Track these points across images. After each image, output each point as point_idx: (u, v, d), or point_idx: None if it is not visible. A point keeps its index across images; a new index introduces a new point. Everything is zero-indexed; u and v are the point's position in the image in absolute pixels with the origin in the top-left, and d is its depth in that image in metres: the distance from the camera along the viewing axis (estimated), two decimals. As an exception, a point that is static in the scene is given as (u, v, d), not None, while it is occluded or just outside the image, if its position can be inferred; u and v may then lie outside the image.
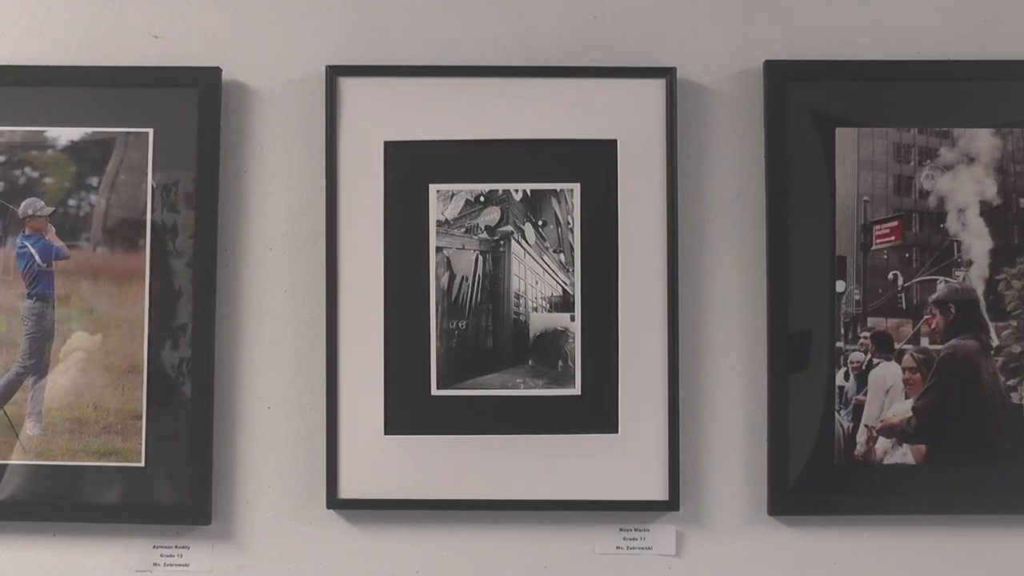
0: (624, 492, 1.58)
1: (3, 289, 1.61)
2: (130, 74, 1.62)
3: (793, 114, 1.60)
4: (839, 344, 1.59)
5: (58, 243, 1.61)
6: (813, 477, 1.58)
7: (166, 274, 1.60)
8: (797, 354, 1.59)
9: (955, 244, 1.60)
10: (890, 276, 1.60)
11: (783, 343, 1.59)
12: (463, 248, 1.60)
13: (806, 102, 1.60)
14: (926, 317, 1.60)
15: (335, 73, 1.60)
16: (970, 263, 1.60)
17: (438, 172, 1.60)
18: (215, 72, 1.62)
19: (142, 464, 1.58)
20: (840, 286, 1.60)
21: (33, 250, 1.60)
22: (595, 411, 1.59)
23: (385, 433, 1.58)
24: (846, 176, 1.60)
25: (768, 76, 1.61)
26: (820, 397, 1.59)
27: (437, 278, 1.59)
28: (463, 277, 1.59)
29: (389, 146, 1.60)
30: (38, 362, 1.60)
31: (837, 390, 1.59)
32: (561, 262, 1.60)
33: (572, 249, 1.60)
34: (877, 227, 1.60)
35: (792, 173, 1.60)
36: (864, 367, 1.59)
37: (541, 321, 1.59)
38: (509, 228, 1.60)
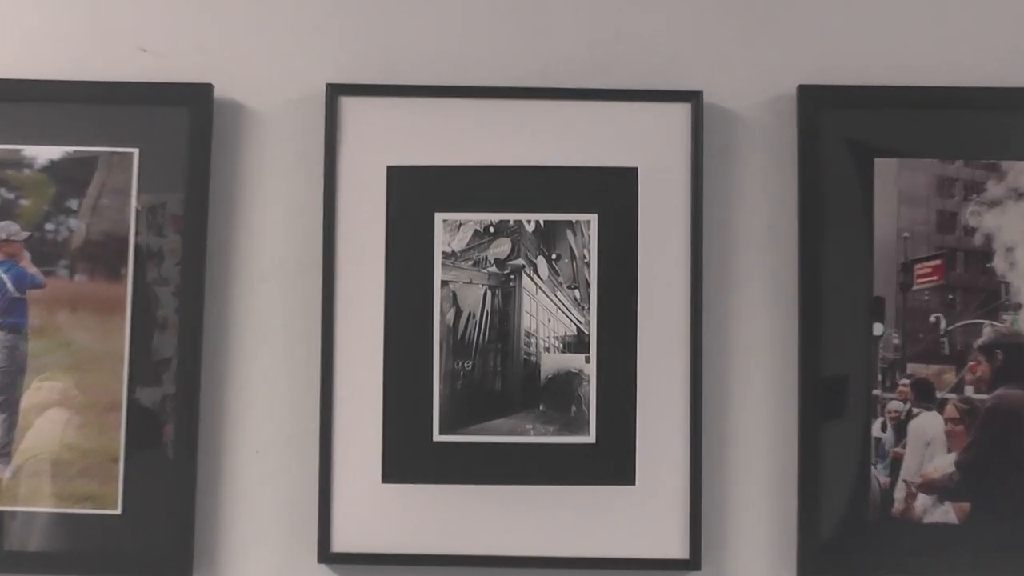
0: (641, 549, 1.49)
1: (-27, 319, 1.51)
2: (115, 90, 1.53)
3: (828, 143, 1.51)
4: (876, 392, 1.50)
5: (33, 270, 1.51)
6: (846, 535, 1.49)
7: (150, 304, 1.51)
8: (830, 402, 1.50)
9: (1003, 286, 1.51)
10: (932, 319, 1.51)
11: (815, 390, 1.49)
12: (470, 282, 1.51)
13: (842, 130, 1.52)
14: (970, 364, 1.50)
15: (336, 92, 1.52)
16: (1019, 306, 1.51)
17: (445, 200, 1.52)
18: (207, 89, 1.53)
19: (119, 510, 1.49)
20: (878, 329, 1.50)
21: (6, 277, 1.51)
22: (610, 460, 1.49)
23: (383, 481, 1.49)
24: (885, 210, 1.51)
25: (802, 102, 1.52)
26: (855, 448, 1.49)
27: (442, 314, 1.50)
28: (470, 314, 1.51)
29: (393, 171, 1.52)
30: (9, 399, 1.50)
31: (873, 441, 1.49)
32: (576, 299, 1.51)
33: (588, 285, 1.51)
34: (918, 266, 1.51)
35: (827, 206, 1.51)
36: (903, 417, 1.50)
37: (553, 362, 1.50)
38: (520, 262, 1.51)
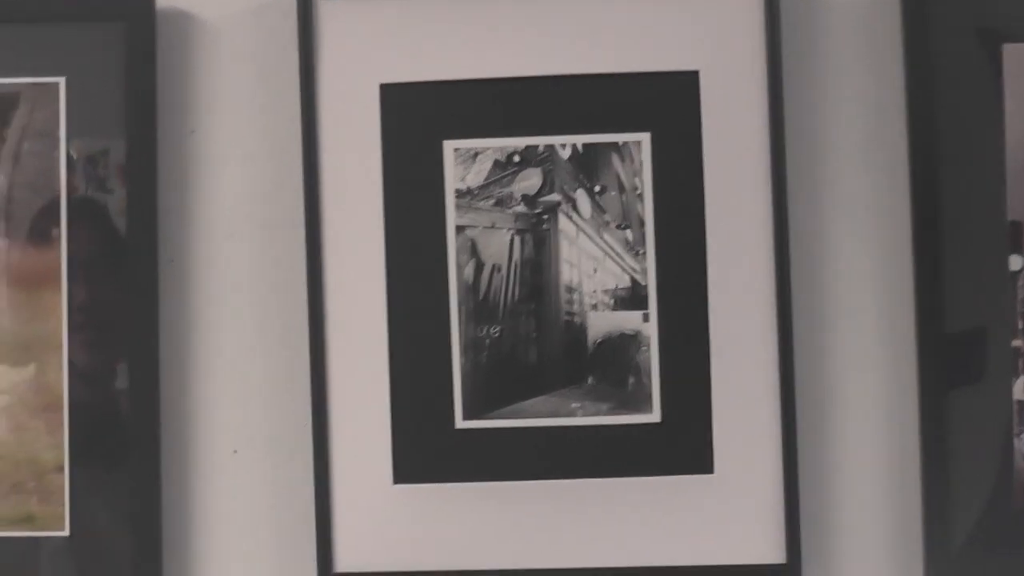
0: (724, 554, 1.25)
1: None
2: (32, 5, 1.28)
3: (943, 28, 1.24)
4: (1017, 343, 1.23)
5: (-62, 237, 1.26)
6: (986, 531, 1.22)
7: (91, 275, 1.26)
8: (959, 360, 1.24)
9: None
10: (1086, 247, 1.25)
11: (939, 346, 1.23)
12: (493, 227, 1.27)
13: (961, 11, 1.24)
14: None
15: None
16: None
17: (455, 124, 1.27)
18: None
19: (66, 532, 1.26)
20: (1015, 263, 1.24)
21: (-96, 247, 1.26)
22: (681, 444, 1.26)
23: (394, 482, 1.27)
24: (1019, 110, 1.24)
25: None
26: (993, 418, 1.23)
27: (459, 268, 1.27)
28: (494, 266, 1.27)
29: (388, 90, 1.27)
30: (-83, 400, 1.26)
31: (1016, 407, 1.23)
32: (628, 242, 1.26)
33: (642, 224, 1.26)
34: None
35: (944, 110, 1.24)
36: None
37: (603, 323, 1.26)
38: (555, 197, 1.27)
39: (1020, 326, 1.23)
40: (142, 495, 1.25)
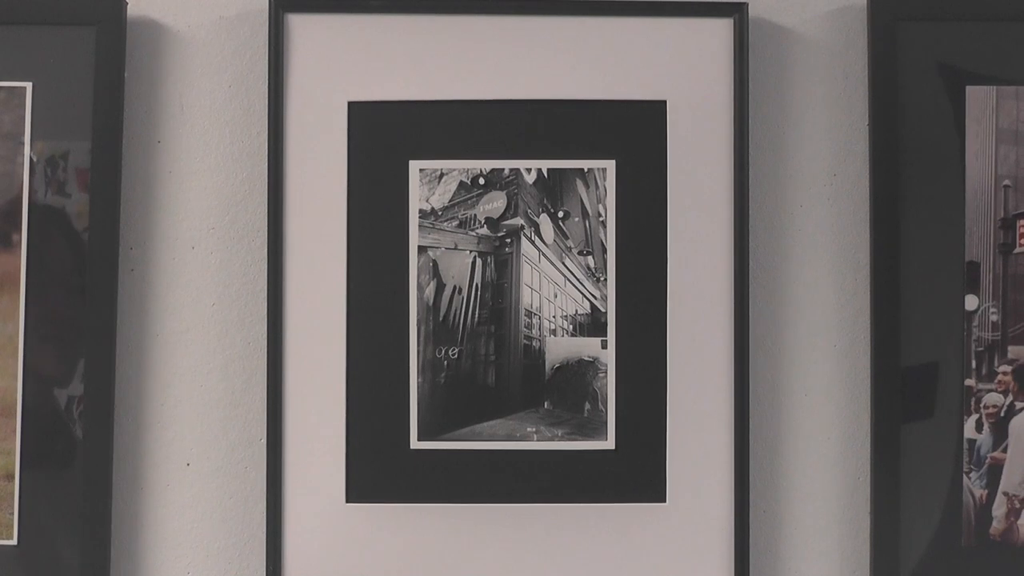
0: None
1: None
2: (1, 7, 1.26)
3: (909, 67, 1.25)
4: (969, 382, 1.24)
5: (-102, 238, 1.24)
6: (934, 565, 1.23)
7: (50, 280, 1.24)
8: (912, 396, 1.24)
9: None
10: (1040, 290, 1.25)
11: (893, 381, 1.23)
12: (455, 248, 1.26)
13: (926, 51, 1.25)
14: (1089, 346, 1.25)
15: (282, 7, 1.26)
16: None
17: (422, 144, 1.26)
18: (117, 5, 1.26)
19: (14, 541, 1.23)
20: (971, 303, 1.24)
21: None
22: (635, 472, 1.25)
23: (347, 500, 1.25)
24: (980, 152, 1.25)
25: (874, 14, 1.25)
26: (942, 454, 1.24)
27: (420, 289, 1.25)
28: (455, 288, 1.25)
29: (355, 108, 1.27)
30: None
31: (966, 444, 1.24)
32: (589, 268, 1.25)
33: (604, 250, 1.25)
34: (1022, 222, 1.25)
35: (906, 148, 1.25)
36: (1003, 413, 1.24)
37: (562, 348, 1.25)
38: (518, 221, 1.25)
39: (974, 365, 1.23)
40: (92, 504, 1.22)
